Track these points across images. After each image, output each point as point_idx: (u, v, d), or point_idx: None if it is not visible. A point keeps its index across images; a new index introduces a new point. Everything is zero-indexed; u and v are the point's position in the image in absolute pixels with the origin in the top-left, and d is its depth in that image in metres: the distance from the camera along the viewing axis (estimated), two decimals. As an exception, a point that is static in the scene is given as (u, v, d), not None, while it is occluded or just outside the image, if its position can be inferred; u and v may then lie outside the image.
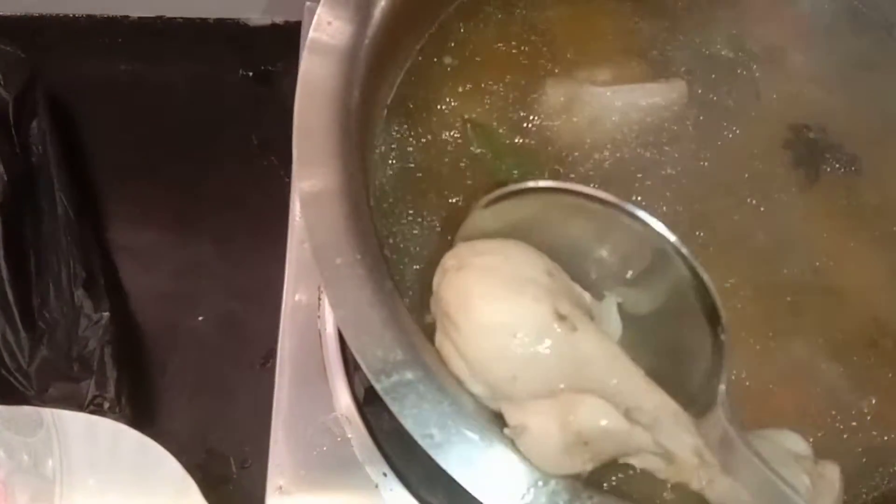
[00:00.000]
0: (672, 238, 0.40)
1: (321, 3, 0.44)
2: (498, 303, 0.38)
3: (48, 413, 0.56)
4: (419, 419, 0.35)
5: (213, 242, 0.73)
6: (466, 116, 0.50)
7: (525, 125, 0.51)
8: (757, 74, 0.52)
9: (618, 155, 0.50)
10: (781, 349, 0.47)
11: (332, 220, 0.39)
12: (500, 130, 0.50)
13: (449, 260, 0.41)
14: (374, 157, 0.47)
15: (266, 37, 0.82)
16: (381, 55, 0.44)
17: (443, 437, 0.35)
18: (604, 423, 0.38)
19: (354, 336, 0.37)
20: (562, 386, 0.38)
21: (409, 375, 0.36)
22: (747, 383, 0.46)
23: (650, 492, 0.40)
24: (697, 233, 0.49)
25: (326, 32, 0.43)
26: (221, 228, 0.74)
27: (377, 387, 0.36)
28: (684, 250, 0.40)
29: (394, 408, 0.36)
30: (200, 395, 0.69)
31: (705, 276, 0.40)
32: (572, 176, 0.49)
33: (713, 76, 0.52)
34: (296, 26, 0.80)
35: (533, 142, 0.50)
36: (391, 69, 0.49)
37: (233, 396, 0.69)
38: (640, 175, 0.50)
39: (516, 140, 0.50)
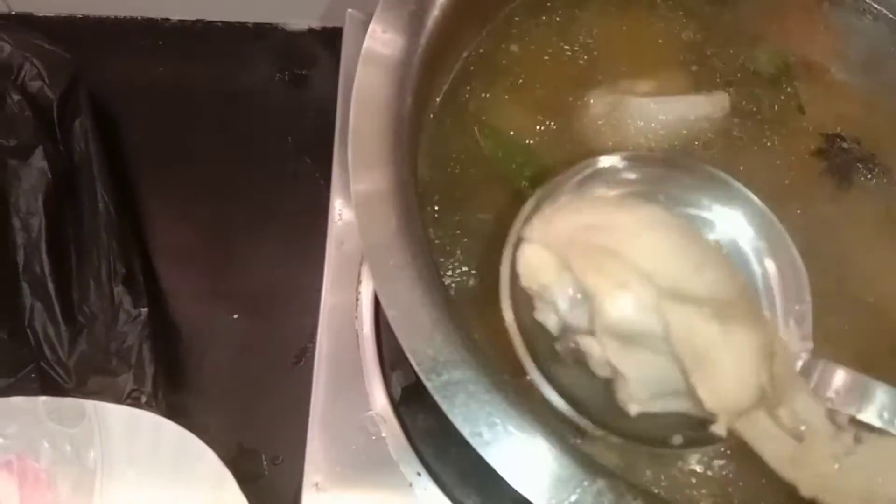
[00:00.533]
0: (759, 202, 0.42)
1: (376, 11, 0.45)
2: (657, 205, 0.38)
3: (91, 405, 0.58)
4: (469, 417, 0.36)
5: (249, 242, 0.75)
6: (483, 118, 0.51)
7: (559, 130, 0.52)
8: (799, 89, 0.53)
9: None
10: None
11: (385, 222, 0.40)
12: (511, 132, 0.51)
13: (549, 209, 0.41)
14: (421, 161, 0.48)
15: (303, 42, 0.83)
16: (432, 62, 0.45)
17: (492, 436, 0.36)
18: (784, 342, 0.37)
19: (406, 336, 0.38)
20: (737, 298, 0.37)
21: (458, 375, 0.37)
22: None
23: (692, 496, 0.41)
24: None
25: (381, 41, 0.44)
26: (257, 228, 0.75)
27: (428, 385, 0.37)
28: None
29: (444, 406, 0.37)
30: (233, 391, 0.70)
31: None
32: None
33: (755, 89, 0.53)
34: (332, 32, 0.82)
35: (561, 145, 0.51)
36: (441, 75, 0.50)
37: (265, 394, 0.70)
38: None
39: (529, 141, 0.51)
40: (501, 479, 0.52)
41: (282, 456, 0.68)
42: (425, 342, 0.38)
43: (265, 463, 0.68)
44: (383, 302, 0.38)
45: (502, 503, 0.54)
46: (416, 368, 0.37)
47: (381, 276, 0.39)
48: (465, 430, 0.36)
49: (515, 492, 0.53)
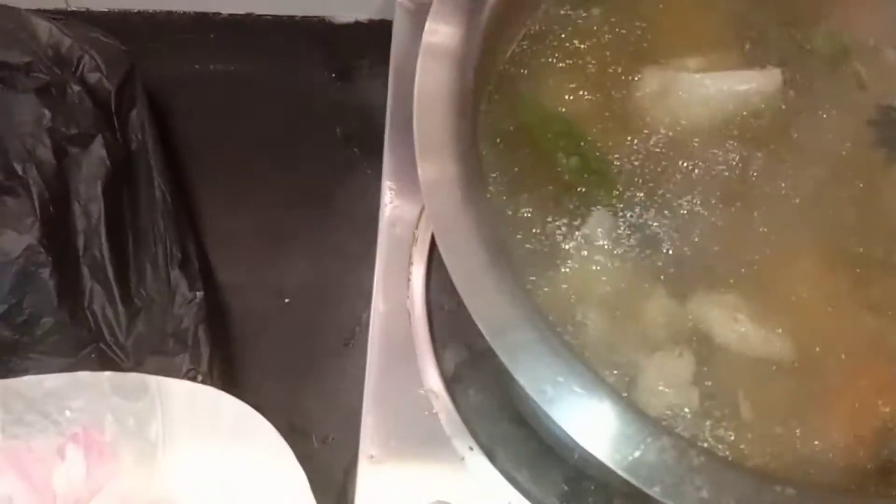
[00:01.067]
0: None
1: (433, 3, 0.46)
2: None
3: (153, 380, 0.59)
4: (533, 376, 0.38)
5: (299, 229, 0.76)
6: (528, 93, 0.52)
7: (599, 103, 0.53)
8: (857, 69, 0.54)
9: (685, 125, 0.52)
10: (852, 322, 0.48)
11: (451, 196, 0.42)
12: (551, 105, 0.52)
13: None
14: (480, 140, 0.49)
15: (350, 34, 0.85)
16: (491, 44, 0.47)
17: (555, 393, 0.38)
18: None
19: (472, 300, 0.39)
20: None
21: (522, 336, 0.39)
22: (818, 350, 0.47)
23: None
24: (781, 183, 0.51)
25: (442, 26, 0.46)
26: (307, 216, 0.77)
27: (494, 346, 0.38)
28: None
29: (510, 365, 0.38)
30: (285, 373, 0.72)
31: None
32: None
33: (811, 67, 0.54)
34: (379, 24, 0.84)
35: (599, 116, 0.52)
36: (498, 55, 0.51)
37: (316, 375, 0.72)
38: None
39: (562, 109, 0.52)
40: (552, 453, 0.54)
41: (331, 436, 0.70)
42: (490, 305, 0.39)
43: (315, 442, 0.69)
44: (449, 268, 0.40)
45: (552, 477, 0.56)
46: (483, 330, 0.39)
47: (447, 244, 0.41)
48: (530, 388, 0.38)
49: (566, 465, 0.55)
